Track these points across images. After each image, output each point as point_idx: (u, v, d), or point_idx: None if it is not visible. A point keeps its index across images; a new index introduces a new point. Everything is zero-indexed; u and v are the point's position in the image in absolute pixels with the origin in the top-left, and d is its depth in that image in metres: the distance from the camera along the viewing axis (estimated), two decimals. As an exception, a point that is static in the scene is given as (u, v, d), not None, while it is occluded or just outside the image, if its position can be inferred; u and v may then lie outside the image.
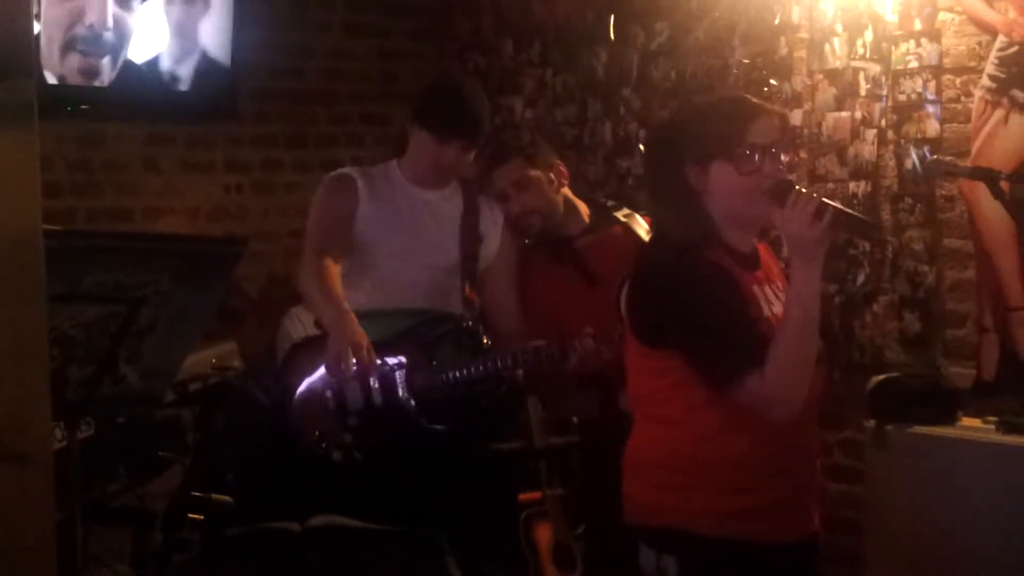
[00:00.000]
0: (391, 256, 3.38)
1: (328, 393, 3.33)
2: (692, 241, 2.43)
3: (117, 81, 4.81)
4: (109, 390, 2.28)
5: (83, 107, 4.80)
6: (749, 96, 2.59)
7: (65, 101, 4.72)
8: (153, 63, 4.91)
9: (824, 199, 2.33)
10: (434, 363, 3.32)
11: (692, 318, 2.38)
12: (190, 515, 2.55)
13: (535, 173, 3.52)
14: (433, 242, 3.43)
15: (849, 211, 2.40)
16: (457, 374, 3.30)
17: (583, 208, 3.63)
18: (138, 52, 4.86)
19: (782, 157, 2.44)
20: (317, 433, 3.31)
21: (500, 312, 3.53)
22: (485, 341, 3.42)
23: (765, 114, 2.48)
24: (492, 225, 3.51)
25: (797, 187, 2.37)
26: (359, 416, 3.33)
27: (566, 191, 3.61)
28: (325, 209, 3.46)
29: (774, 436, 2.40)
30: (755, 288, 2.47)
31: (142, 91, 4.90)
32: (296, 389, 3.39)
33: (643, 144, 2.79)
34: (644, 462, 2.54)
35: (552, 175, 3.55)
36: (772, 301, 2.48)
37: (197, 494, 2.55)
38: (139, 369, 2.30)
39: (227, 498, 2.60)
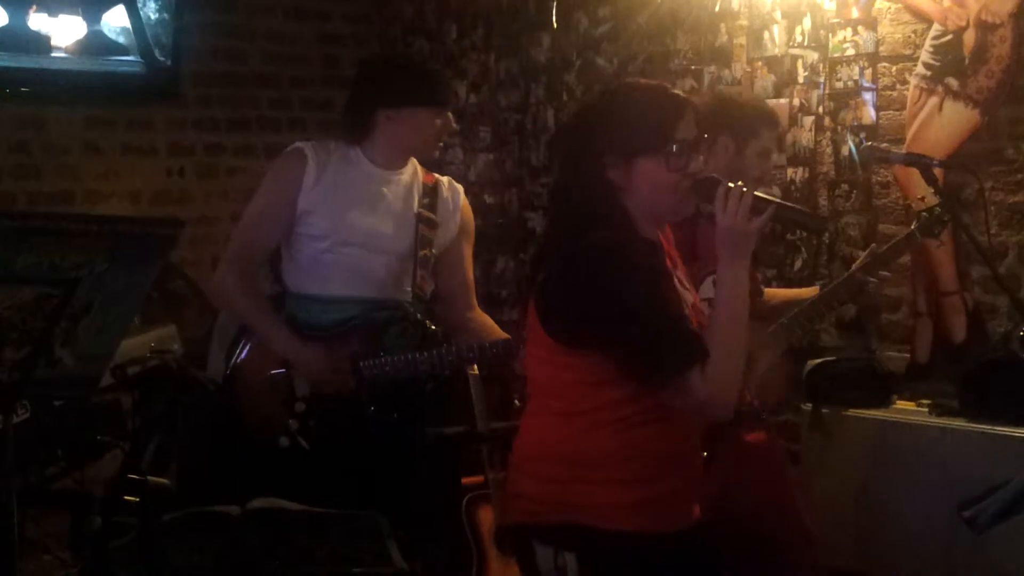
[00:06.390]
0: (347, 243, 3.35)
1: (276, 379, 3.33)
2: (616, 236, 2.33)
3: (57, 62, 4.78)
4: (44, 373, 2.26)
5: (23, 89, 4.75)
6: (671, 87, 2.50)
7: (4, 83, 4.67)
8: (94, 44, 4.88)
9: (759, 193, 2.29)
10: (381, 352, 3.32)
11: (626, 321, 2.29)
12: (126, 498, 2.55)
13: None
14: (392, 228, 3.39)
15: (793, 206, 2.36)
16: (402, 364, 3.30)
17: None
18: (80, 33, 4.82)
19: (701, 153, 2.38)
20: (264, 419, 3.32)
21: (452, 300, 3.54)
22: (432, 327, 3.43)
23: (691, 109, 2.40)
24: (450, 211, 3.49)
25: (726, 182, 2.31)
26: (306, 402, 3.33)
27: None
28: (270, 193, 3.42)
29: (676, 427, 2.38)
30: (675, 282, 2.43)
31: (83, 73, 4.86)
32: (244, 373, 3.40)
33: (555, 133, 2.61)
34: (539, 455, 2.46)
35: None
36: (683, 292, 2.44)
37: (134, 476, 2.55)
38: (74, 352, 2.27)
39: (164, 481, 2.60)
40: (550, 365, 2.42)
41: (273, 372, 3.33)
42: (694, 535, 2.45)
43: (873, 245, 3.30)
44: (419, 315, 3.40)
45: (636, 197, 2.38)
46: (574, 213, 2.41)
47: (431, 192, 3.45)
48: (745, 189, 2.29)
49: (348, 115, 3.44)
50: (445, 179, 3.52)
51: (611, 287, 2.29)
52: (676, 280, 2.46)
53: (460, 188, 3.55)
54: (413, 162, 3.46)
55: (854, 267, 3.29)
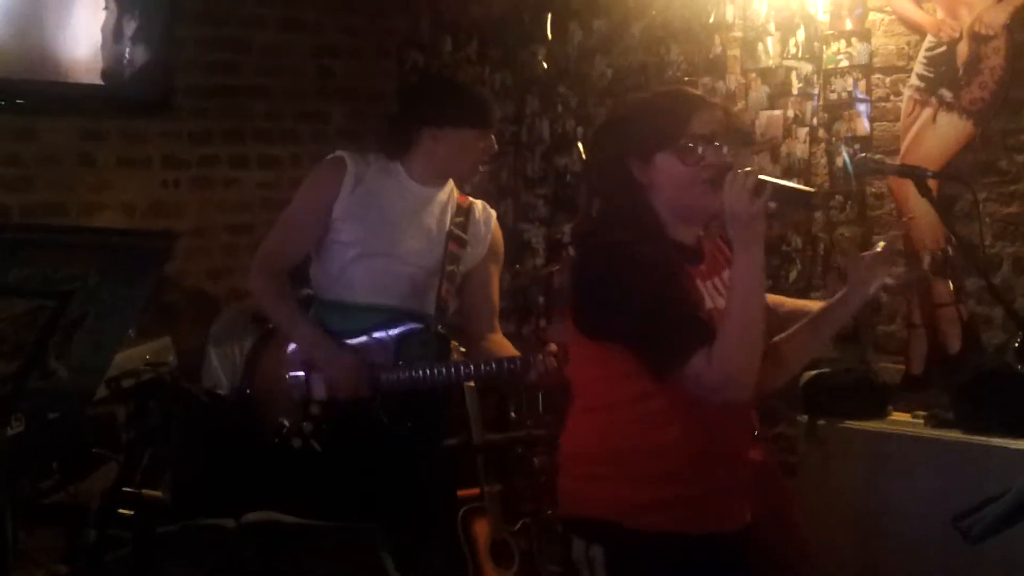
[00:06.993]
0: (375, 253, 3.37)
1: (293, 382, 3.36)
2: (635, 236, 2.41)
3: (51, 75, 4.77)
4: (38, 385, 2.26)
5: (17, 101, 4.75)
6: (690, 89, 2.58)
7: (-1, 95, 4.68)
8: (88, 56, 4.87)
9: (761, 175, 2.32)
10: (400, 362, 3.34)
11: (633, 309, 2.37)
12: (120, 511, 2.54)
13: None
14: (422, 243, 3.42)
15: (786, 183, 2.38)
16: (420, 375, 3.32)
17: None
18: (74, 45, 4.82)
19: (724, 148, 2.43)
20: (283, 420, 3.34)
21: (474, 319, 3.56)
22: (452, 341, 3.46)
23: (706, 106, 2.49)
24: (481, 233, 3.51)
25: (735, 170, 2.34)
26: (321, 405, 3.35)
27: None
28: (307, 200, 3.45)
29: (706, 426, 2.41)
30: (698, 282, 2.47)
31: (78, 85, 4.86)
32: (261, 375, 3.42)
33: (585, 140, 2.71)
34: (576, 452, 2.55)
35: None
36: (715, 295, 2.48)
37: (128, 490, 2.54)
38: (68, 364, 2.27)
39: (159, 494, 2.59)
40: (581, 361, 2.53)
41: (291, 375, 3.36)
42: (729, 539, 2.48)
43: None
44: (440, 328, 3.43)
45: (660, 195, 2.46)
46: (600, 214, 2.57)
47: (464, 212, 3.49)
48: (748, 171, 2.32)
49: (392, 129, 3.47)
50: (479, 203, 3.57)
51: (618, 281, 2.38)
52: (711, 282, 2.49)
53: (493, 213, 3.59)
54: (450, 182, 3.50)
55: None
